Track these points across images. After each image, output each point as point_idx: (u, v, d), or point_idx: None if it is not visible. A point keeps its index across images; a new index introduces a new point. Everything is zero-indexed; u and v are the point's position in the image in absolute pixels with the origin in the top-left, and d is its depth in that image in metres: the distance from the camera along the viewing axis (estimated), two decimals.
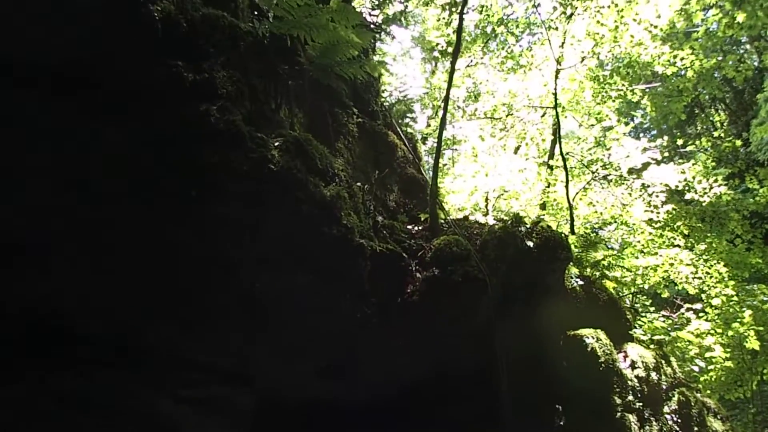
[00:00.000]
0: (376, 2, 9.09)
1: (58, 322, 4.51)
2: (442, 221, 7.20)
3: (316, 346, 5.45)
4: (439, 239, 6.31)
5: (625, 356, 7.47)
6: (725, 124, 22.89)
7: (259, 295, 4.73)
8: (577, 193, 11.39)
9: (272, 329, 5.02)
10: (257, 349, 5.22)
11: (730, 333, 9.39)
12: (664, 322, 9.34)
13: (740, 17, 9.61)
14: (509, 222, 6.75)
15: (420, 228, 6.95)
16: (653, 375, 7.52)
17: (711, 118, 18.58)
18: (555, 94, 11.05)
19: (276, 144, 4.59)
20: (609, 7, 10.48)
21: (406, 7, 9.51)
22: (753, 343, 9.07)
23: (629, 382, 7.03)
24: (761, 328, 9.34)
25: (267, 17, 5.28)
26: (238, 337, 5.04)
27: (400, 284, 5.90)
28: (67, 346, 4.60)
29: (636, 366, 7.37)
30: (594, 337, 6.92)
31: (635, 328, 8.56)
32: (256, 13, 5.48)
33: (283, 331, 5.05)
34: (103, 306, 4.46)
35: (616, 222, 11.36)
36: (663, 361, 8.09)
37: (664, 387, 7.70)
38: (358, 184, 5.91)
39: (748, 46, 23.52)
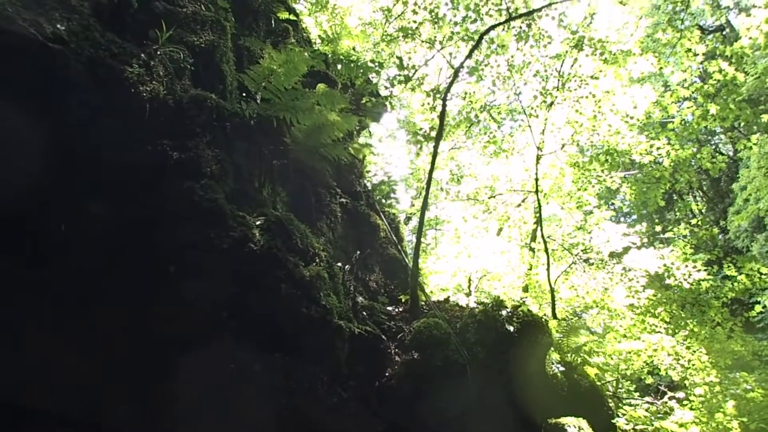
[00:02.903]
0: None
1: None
2: (423, 303, 7.15)
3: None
4: (419, 321, 6.25)
5: None
6: (703, 210, 23.41)
7: (236, 375, 4.60)
8: (558, 276, 11.42)
9: (243, 414, 4.85)
10: None
11: (714, 424, 9.22)
12: (647, 410, 9.16)
13: (713, 109, 10.00)
14: (490, 305, 6.72)
15: (400, 309, 6.89)
16: None
17: (689, 206, 19.02)
18: (536, 179, 11.28)
19: (258, 223, 4.61)
20: (587, 97, 10.88)
21: (392, 93, 9.81)
22: None
23: None
24: (745, 419, 9.19)
25: (255, 99, 5.42)
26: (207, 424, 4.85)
27: (379, 367, 5.77)
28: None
29: None
30: (576, 427, 6.76)
31: (618, 416, 8.38)
32: (244, 94, 5.62)
33: (254, 416, 4.87)
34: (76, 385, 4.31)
35: (597, 306, 11.34)
36: None
37: None
38: (339, 264, 5.89)
39: (722, 136, 24.42)
